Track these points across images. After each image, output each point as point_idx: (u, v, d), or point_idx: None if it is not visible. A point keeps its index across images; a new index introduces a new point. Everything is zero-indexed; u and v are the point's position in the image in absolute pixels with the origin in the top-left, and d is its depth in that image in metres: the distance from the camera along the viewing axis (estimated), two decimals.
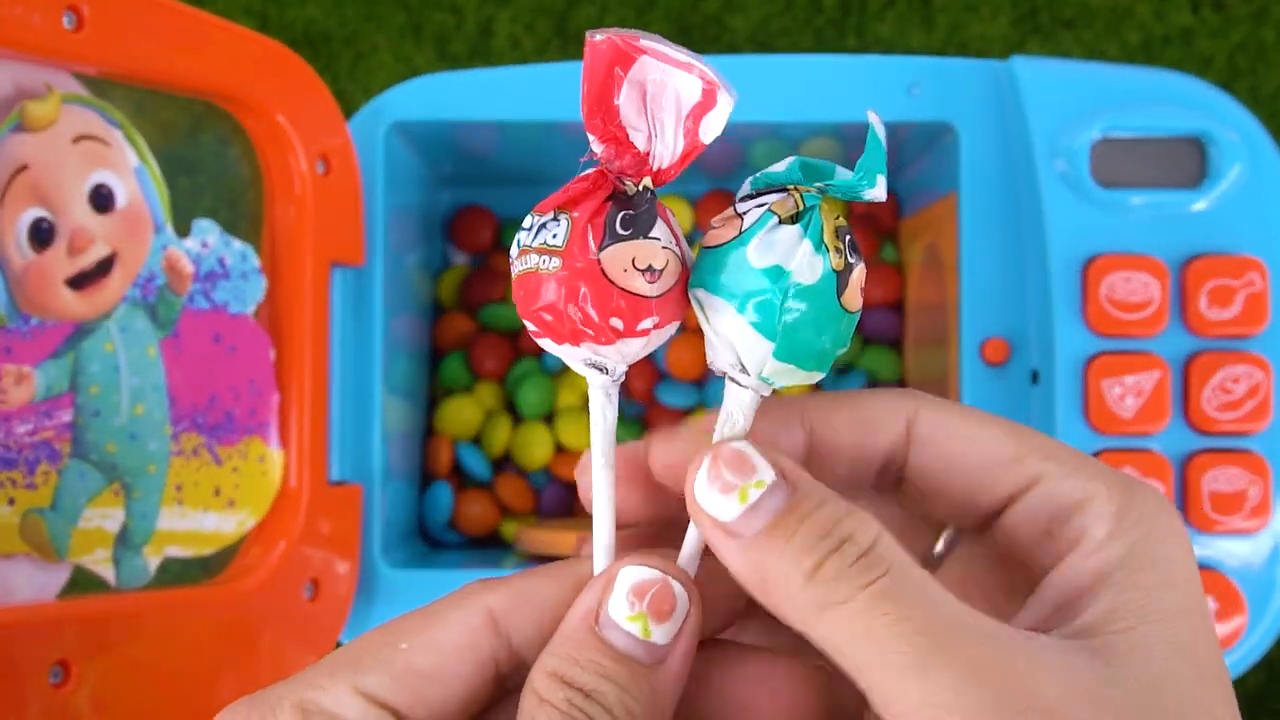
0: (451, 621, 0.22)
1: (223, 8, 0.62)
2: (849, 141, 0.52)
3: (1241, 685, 0.57)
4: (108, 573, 0.39)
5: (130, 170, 0.39)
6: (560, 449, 0.57)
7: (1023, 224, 0.47)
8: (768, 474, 0.22)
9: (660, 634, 0.22)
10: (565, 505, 0.57)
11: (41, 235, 0.37)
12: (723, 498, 0.22)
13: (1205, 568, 0.46)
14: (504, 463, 0.58)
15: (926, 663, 0.20)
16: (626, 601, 0.22)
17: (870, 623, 0.21)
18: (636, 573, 0.23)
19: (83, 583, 0.38)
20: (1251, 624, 0.46)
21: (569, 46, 0.62)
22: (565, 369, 0.57)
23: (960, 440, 0.24)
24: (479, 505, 0.56)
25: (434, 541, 0.56)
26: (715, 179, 0.58)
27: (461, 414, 0.56)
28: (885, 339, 0.57)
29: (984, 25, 0.61)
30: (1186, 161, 0.47)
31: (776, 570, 0.21)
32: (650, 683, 0.22)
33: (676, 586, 0.23)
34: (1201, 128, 0.46)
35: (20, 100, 0.36)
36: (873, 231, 0.58)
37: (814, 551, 0.21)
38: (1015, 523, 0.25)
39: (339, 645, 0.47)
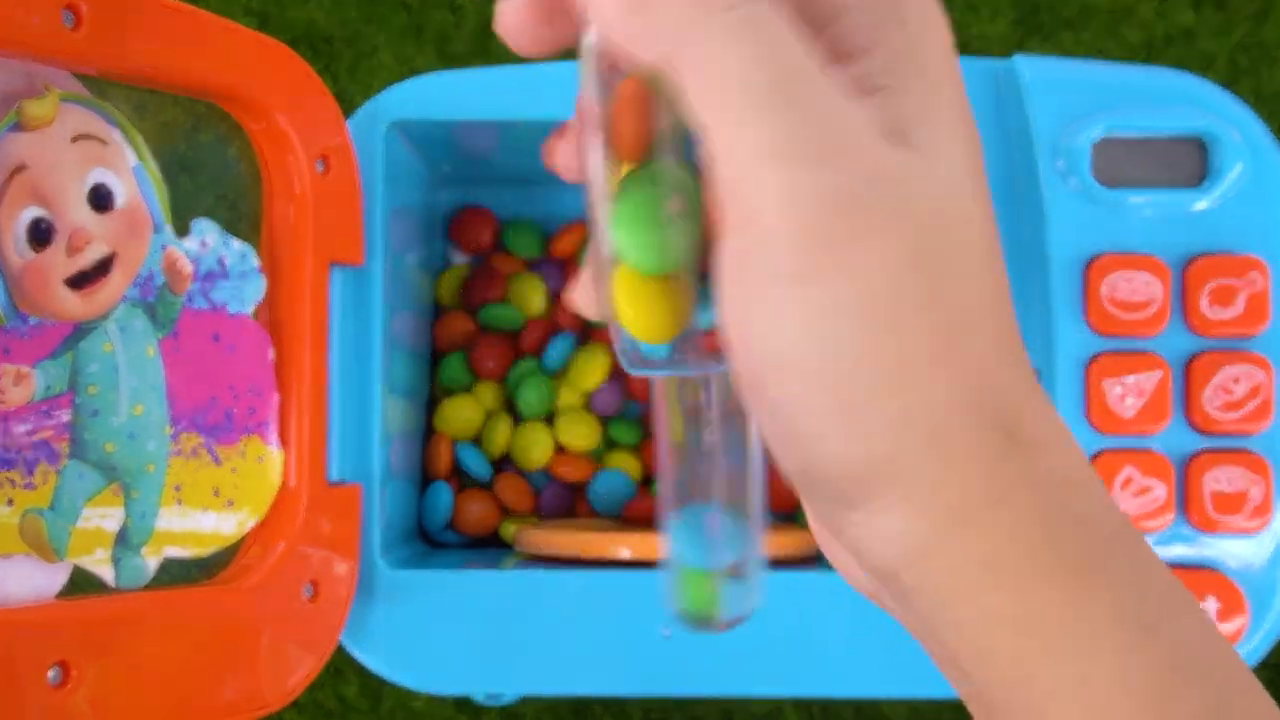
0: None
1: (223, 7, 0.62)
2: None
3: None
4: (107, 573, 0.39)
5: (129, 169, 0.39)
6: (560, 449, 0.57)
7: (1024, 223, 0.47)
8: None
9: None
10: (565, 505, 0.57)
11: (40, 235, 0.37)
12: None
13: (1206, 568, 0.46)
14: (504, 463, 0.57)
15: (766, 105, 0.20)
16: None
17: (725, 56, 0.20)
18: None
19: (82, 583, 0.38)
20: (1253, 624, 0.46)
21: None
22: (565, 369, 0.57)
23: None
24: (479, 505, 0.56)
25: (434, 542, 0.56)
26: None
27: (461, 414, 0.56)
28: None
29: (985, 25, 0.61)
30: (1188, 161, 0.47)
31: None
32: None
33: None
34: (1203, 127, 0.46)
35: (18, 99, 0.36)
36: None
37: None
38: None
39: (340, 646, 0.47)
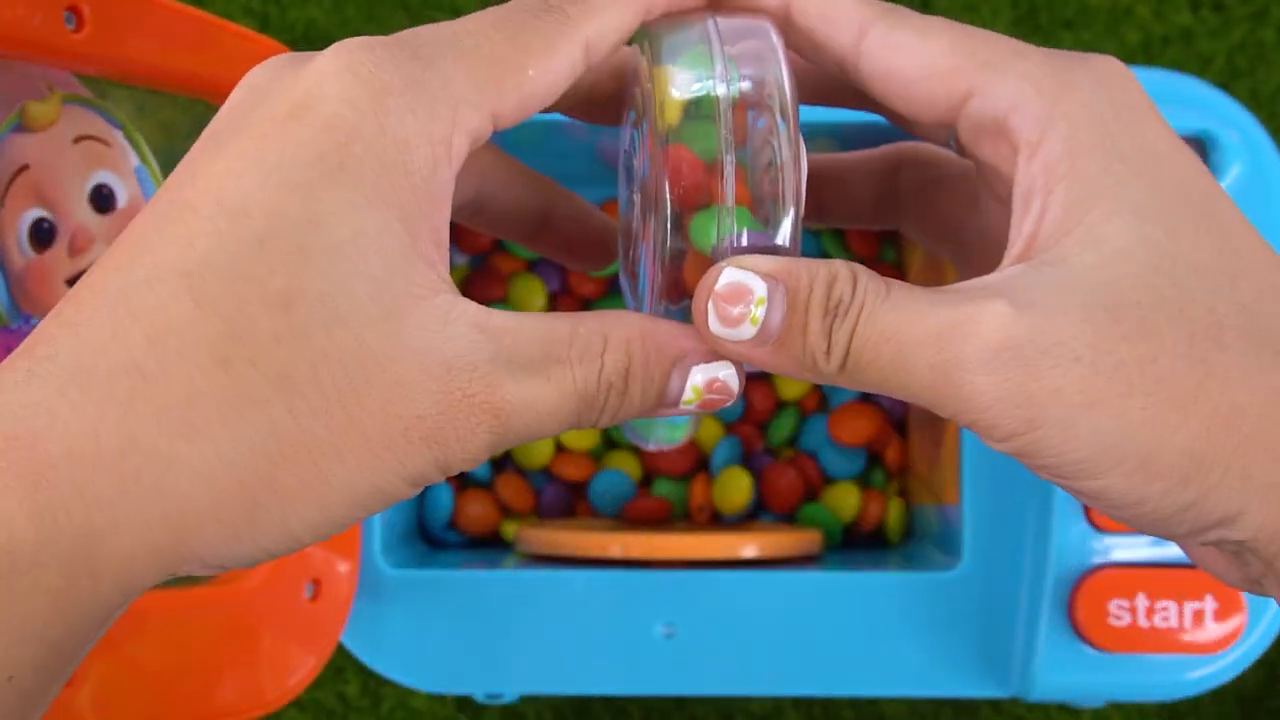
0: (561, 52, 0.24)
1: (223, 8, 0.62)
2: (847, 141, 0.52)
3: (1240, 685, 0.57)
4: None
5: (131, 170, 0.39)
6: (560, 449, 0.57)
7: None
8: (761, 288, 0.23)
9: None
10: (565, 505, 0.57)
11: (42, 235, 0.37)
12: (735, 330, 0.23)
13: None
14: (504, 462, 0.58)
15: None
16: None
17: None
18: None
19: None
20: (1250, 623, 0.46)
21: None
22: None
23: (902, 52, 0.24)
24: (479, 505, 0.56)
25: (434, 541, 0.57)
26: None
27: None
28: None
29: (985, 25, 0.61)
30: None
31: (804, 357, 0.23)
32: None
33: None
34: (1201, 128, 0.46)
35: (21, 100, 0.36)
36: (874, 232, 0.58)
37: (822, 334, 0.22)
38: (966, 142, 0.25)
39: (340, 646, 0.47)
